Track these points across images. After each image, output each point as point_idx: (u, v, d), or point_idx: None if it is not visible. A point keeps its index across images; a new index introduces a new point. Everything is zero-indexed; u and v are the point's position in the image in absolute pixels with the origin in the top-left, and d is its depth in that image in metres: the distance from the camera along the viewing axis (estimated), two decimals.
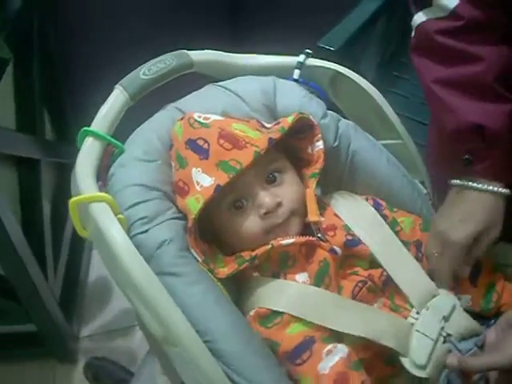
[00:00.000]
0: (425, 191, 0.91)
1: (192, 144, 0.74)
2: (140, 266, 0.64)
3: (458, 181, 0.80)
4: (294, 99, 0.84)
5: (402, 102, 1.42)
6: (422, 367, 0.70)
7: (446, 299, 0.76)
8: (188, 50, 0.84)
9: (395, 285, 0.76)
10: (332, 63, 0.91)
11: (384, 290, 0.77)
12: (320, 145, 0.80)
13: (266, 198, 0.74)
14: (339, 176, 0.86)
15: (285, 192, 0.76)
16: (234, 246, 0.76)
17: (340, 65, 0.92)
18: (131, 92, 0.77)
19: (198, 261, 0.71)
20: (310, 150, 0.81)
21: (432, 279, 0.78)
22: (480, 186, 0.77)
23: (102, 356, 1.53)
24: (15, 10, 1.42)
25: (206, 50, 0.85)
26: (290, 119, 0.76)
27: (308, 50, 0.90)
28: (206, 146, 0.73)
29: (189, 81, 0.84)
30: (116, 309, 1.69)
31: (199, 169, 0.72)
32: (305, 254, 0.75)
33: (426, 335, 0.72)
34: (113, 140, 0.75)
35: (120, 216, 0.67)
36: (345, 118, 0.89)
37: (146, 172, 0.74)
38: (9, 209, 1.24)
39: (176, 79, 0.82)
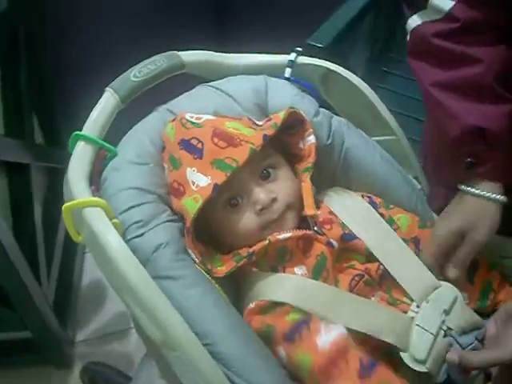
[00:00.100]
0: (419, 186, 0.92)
1: (185, 144, 0.74)
2: (137, 270, 0.64)
3: (459, 185, 0.80)
4: (286, 98, 0.84)
5: (392, 98, 1.42)
6: (422, 362, 0.70)
7: (447, 291, 0.76)
8: (175, 49, 0.84)
9: (393, 279, 0.76)
10: (323, 61, 0.91)
11: (381, 283, 0.77)
12: (311, 139, 0.80)
13: (260, 194, 0.74)
14: (333, 173, 0.86)
15: (279, 187, 0.76)
16: (231, 244, 0.76)
17: (330, 62, 0.91)
18: (122, 94, 0.76)
19: (195, 262, 0.71)
20: (301, 146, 0.81)
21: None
22: (478, 191, 0.78)
23: (98, 361, 1.52)
24: (1, 13, 1.41)
25: (196, 51, 0.85)
26: (281, 114, 0.76)
27: (299, 48, 0.90)
28: (199, 145, 0.73)
29: (180, 81, 0.83)
30: (111, 312, 1.68)
31: (194, 168, 0.72)
32: (302, 248, 0.75)
33: (426, 330, 0.71)
34: (105, 144, 0.74)
35: (115, 220, 0.67)
36: (337, 115, 0.89)
37: (139, 175, 0.74)
38: None
39: (167, 80, 0.81)
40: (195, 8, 1.71)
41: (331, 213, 0.81)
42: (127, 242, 0.67)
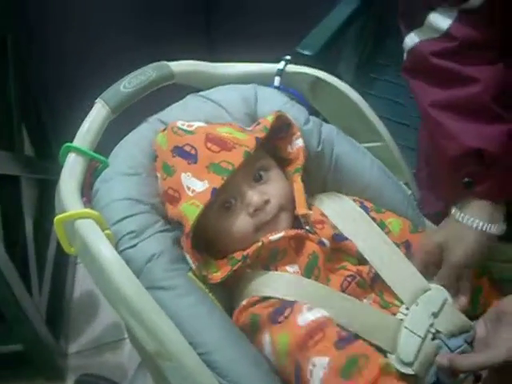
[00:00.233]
0: (409, 192, 0.92)
1: (179, 151, 0.74)
2: (130, 281, 0.64)
3: (453, 205, 0.80)
4: (276, 106, 0.85)
5: (381, 104, 1.43)
6: (409, 364, 0.70)
7: (436, 294, 0.76)
8: (164, 58, 0.84)
9: (383, 280, 0.77)
10: (311, 69, 0.92)
11: (373, 286, 0.77)
12: (299, 142, 0.81)
13: (254, 196, 0.75)
14: (324, 180, 0.87)
15: (272, 189, 0.77)
16: (225, 248, 0.77)
17: (319, 69, 0.92)
18: (112, 105, 0.77)
19: (191, 268, 0.71)
20: (290, 149, 0.82)
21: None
22: (460, 217, 0.78)
23: (91, 372, 1.51)
24: None
25: (185, 61, 0.85)
26: (270, 118, 0.78)
27: (288, 57, 0.90)
28: (193, 151, 0.73)
29: (170, 90, 0.84)
30: (103, 323, 1.67)
31: (188, 173, 0.73)
32: (295, 248, 0.76)
33: (414, 332, 0.72)
34: (96, 155, 0.75)
35: (107, 231, 0.67)
36: (326, 122, 0.90)
37: (131, 186, 0.74)
38: None
39: (157, 90, 0.82)
40: (185, 17, 1.72)
41: (323, 215, 0.81)
42: (120, 252, 0.68)
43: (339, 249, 0.79)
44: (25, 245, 1.50)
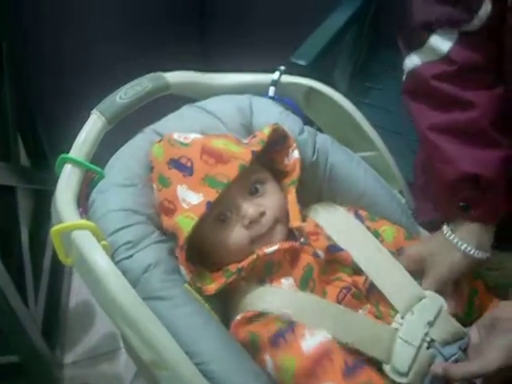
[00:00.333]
0: (403, 200, 0.93)
1: (175, 163, 0.75)
2: (126, 291, 0.64)
3: (445, 225, 0.82)
4: (271, 117, 0.85)
5: (375, 113, 1.44)
6: (404, 374, 0.71)
7: (432, 302, 0.76)
8: (159, 67, 0.85)
9: (379, 291, 0.77)
10: (305, 79, 0.93)
11: (369, 296, 0.78)
12: (295, 154, 0.81)
13: (249, 208, 0.75)
14: (319, 189, 0.87)
15: (267, 201, 0.77)
16: (220, 260, 0.77)
17: (313, 79, 0.93)
18: (108, 116, 0.77)
19: (185, 280, 0.71)
20: (286, 161, 0.82)
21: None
22: (454, 241, 0.79)
23: (87, 382, 1.50)
24: None
25: (181, 72, 0.86)
26: (266, 131, 0.78)
27: (282, 67, 0.91)
28: (189, 163, 0.74)
29: (166, 100, 0.84)
30: (99, 333, 1.67)
31: (184, 186, 0.73)
32: (289, 260, 0.76)
33: (408, 342, 0.72)
34: (92, 166, 0.75)
35: (103, 242, 0.67)
36: (321, 131, 0.91)
37: (127, 197, 0.75)
38: None
39: (153, 100, 0.82)
40: (179, 26, 1.72)
41: (317, 226, 0.82)
42: (117, 263, 0.68)
43: (334, 260, 0.79)
44: (20, 255, 1.49)
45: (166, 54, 1.33)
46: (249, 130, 0.85)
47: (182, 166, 0.74)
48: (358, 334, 0.72)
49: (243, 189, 0.76)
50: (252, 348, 0.71)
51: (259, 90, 0.90)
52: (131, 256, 0.69)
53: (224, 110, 0.85)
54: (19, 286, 1.36)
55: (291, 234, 0.79)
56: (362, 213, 0.86)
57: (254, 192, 0.77)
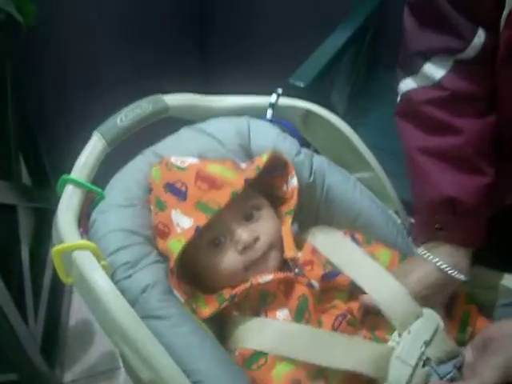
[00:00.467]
0: (399, 221, 0.94)
1: (170, 187, 0.76)
2: (126, 311, 0.65)
3: (422, 246, 0.83)
4: (268, 139, 0.87)
5: (372, 134, 1.44)
6: None
7: (429, 321, 0.76)
8: (161, 87, 0.86)
9: (375, 317, 0.77)
10: (303, 101, 0.94)
11: (364, 322, 0.78)
12: (294, 182, 0.82)
13: (243, 234, 0.76)
14: (316, 211, 0.88)
15: (262, 227, 0.78)
16: (214, 284, 0.77)
17: (311, 101, 0.94)
18: (109, 139, 0.79)
19: (181, 302, 0.72)
20: (285, 188, 0.83)
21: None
22: (430, 259, 0.80)
23: None
24: None
25: (180, 94, 0.87)
26: (264, 157, 0.79)
27: (279, 90, 0.93)
28: (183, 188, 0.75)
29: (165, 122, 0.86)
30: (99, 351, 1.67)
31: (178, 210, 0.74)
32: (284, 291, 0.76)
33: (405, 362, 0.72)
34: (93, 187, 0.76)
35: (103, 263, 0.68)
36: (318, 153, 0.92)
37: (126, 217, 0.76)
38: None
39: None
40: (180, 45, 1.75)
41: (314, 251, 0.82)
42: (116, 283, 0.69)
43: (329, 288, 0.79)
44: (21, 273, 1.50)
45: (167, 74, 1.35)
46: (247, 151, 0.86)
47: (176, 191, 0.75)
48: (356, 358, 0.72)
49: (238, 214, 0.77)
50: None
51: (258, 112, 0.91)
52: (130, 276, 0.70)
53: (222, 132, 0.86)
54: (19, 304, 1.37)
55: (286, 265, 0.79)
56: (359, 237, 0.87)
57: (249, 218, 0.78)
